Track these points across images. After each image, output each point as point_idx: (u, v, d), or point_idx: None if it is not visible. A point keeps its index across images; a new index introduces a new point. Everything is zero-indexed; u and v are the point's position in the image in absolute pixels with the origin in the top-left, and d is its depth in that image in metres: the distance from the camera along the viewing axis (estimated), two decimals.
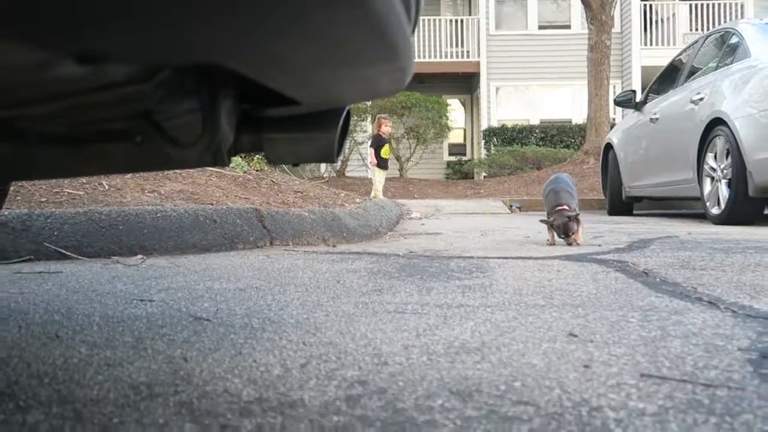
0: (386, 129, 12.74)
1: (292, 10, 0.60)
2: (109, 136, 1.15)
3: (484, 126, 22.40)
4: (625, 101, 9.25)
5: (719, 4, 21.81)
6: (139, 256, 3.31)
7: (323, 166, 18.90)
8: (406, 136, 20.66)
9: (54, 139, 1.12)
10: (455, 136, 24.07)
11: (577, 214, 4.21)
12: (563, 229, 4.10)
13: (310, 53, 0.76)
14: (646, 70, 20.38)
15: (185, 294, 2.23)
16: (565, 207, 4.15)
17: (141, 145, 1.16)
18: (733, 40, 7.08)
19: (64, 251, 3.19)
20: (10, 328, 1.69)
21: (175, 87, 0.99)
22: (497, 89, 22.76)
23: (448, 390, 1.17)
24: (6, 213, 3.17)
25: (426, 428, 0.99)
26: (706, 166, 6.74)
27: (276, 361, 1.37)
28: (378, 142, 12.41)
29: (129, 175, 4.58)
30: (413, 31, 1.03)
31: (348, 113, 1.32)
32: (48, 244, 3.18)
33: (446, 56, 22.91)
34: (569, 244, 4.10)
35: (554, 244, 4.17)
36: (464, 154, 24.28)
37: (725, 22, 18.86)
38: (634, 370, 1.29)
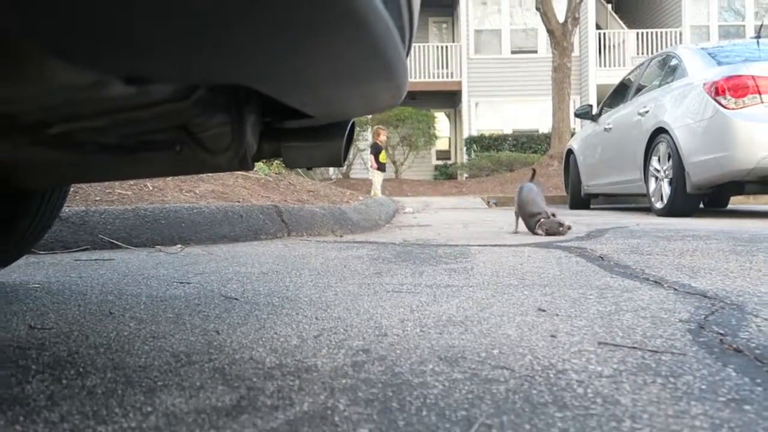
0: (383, 138, 12.97)
1: (305, 38, 0.60)
2: (152, 146, 1.15)
3: (465, 135, 22.39)
4: (584, 113, 9.25)
5: (661, 32, 21.79)
6: (178, 246, 3.30)
7: (332, 169, 18.92)
8: (400, 144, 20.68)
9: (106, 149, 1.11)
10: (441, 144, 24.06)
11: (553, 213, 4.24)
12: (553, 230, 4.16)
13: (321, 74, 0.76)
14: (600, 88, 20.40)
15: (217, 277, 2.23)
16: (540, 213, 4.21)
17: (179, 153, 1.16)
18: (674, 62, 7.07)
19: (115, 242, 3.19)
20: (71, 306, 1.69)
21: (209, 104, 0.98)
22: (476, 104, 22.74)
23: (438, 357, 1.17)
24: (67, 210, 3.16)
25: (419, 389, 0.99)
26: (651, 168, 6.74)
27: (293, 333, 1.37)
28: (376, 149, 12.60)
29: (169, 178, 4.58)
30: (407, 53, 1.02)
31: (353, 125, 1.32)
32: (102, 236, 3.18)
33: (434, 76, 22.88)
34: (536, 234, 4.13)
35: (518, 232, 4.24)
36: (449, 159, 24.26)
37: (667, 47, 18.84)
38: (592, 339, 1.29)
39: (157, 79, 0.69)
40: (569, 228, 4.15)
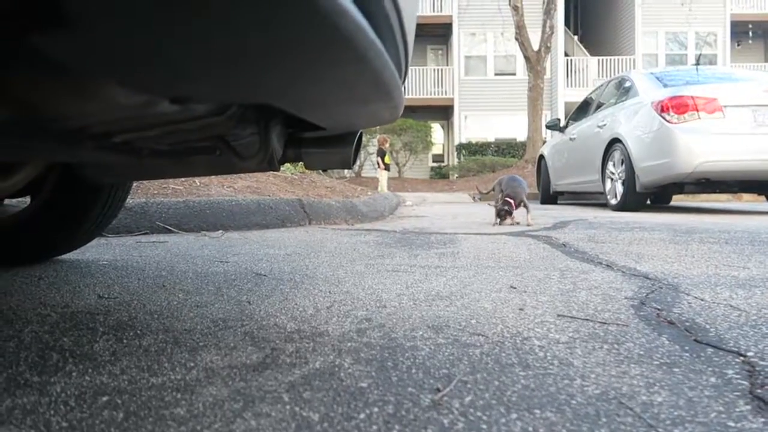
0: (386, 144, 13.14)
1: (319, 71, 0.60)
2: (197, 151, 1.15)
3: (456, 142, 22.30)
4: (553, 125, 9.19)
5: (618, 59, 21.64)
6: (220, 231, 3.31)
7: (346, 169, 18.90)
8: (403, 149, 20.67)
9: (159, 153, 1.12)
10: (437, 149, 23.96)
11: (521, 202, 4.19)
12: (497, 213, 4.13)
13: (331, 97, 0.76)
14: (568, 104, 20.31)
15: (250, 257, 2.24)
16: (508, 198, 4.14)
17: (219, 157, 1.16)
18: (627, 84, 7.01)
19: (169, 227, 3.20)
20: (132, 280, 1.71)
21: (241, 119, 0.99)
22: (466, 117, 22.64)
23: (426, 325, 1.18)
24: (130, 201, 3.18)
25: (410, 351, 1.00)
26: (607, 171, 6.71)
27: (310, 304, 1.38)
28: (382, 153, 12.75)
29: (212, 176, 4.59)
30: (404, 80, 1.02)
31: (360, 135, 1.32)
32: (158, 223, 3.19)
33: (431, 94, 22.79)
34: (501, 225, 4.10)
35: (497, 224, 4.16)
36: (443, 161, 24.16)
37: (622, 71, 18.72)
38: (553, 312, 1.30)
39: (197, 100, 0.69)
40: (511, 215, 4.11)
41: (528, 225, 4.12)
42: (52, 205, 1.91)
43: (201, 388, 0.81)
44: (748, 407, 0.75)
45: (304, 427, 0.69)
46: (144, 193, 3.65)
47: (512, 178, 4.45)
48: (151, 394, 0.79)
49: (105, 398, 0.78)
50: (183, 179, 4.24)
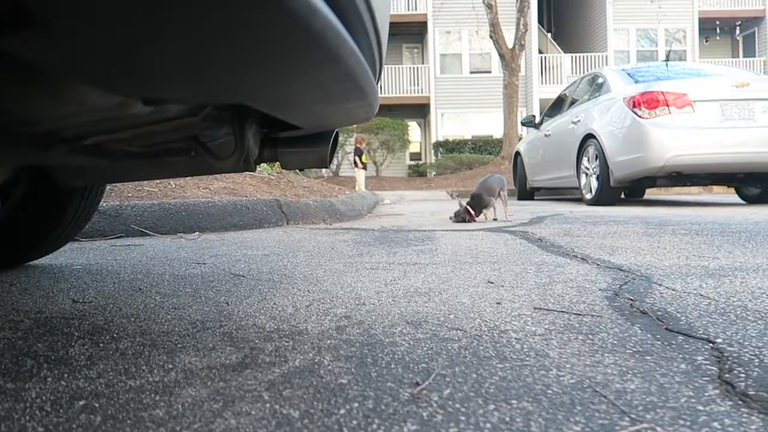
0: (363, 144, 13.20)
1: (292, 71, 0.60)
2: (170, 152, 1.14)
3: (433, 140, 22.40)
4: (528, 122, 9.29)
5: (591, 56, 21.96)
6: (196, 233, 3.28)
7: (323, 168, 18.83)
8: (380, 147, 20.67)
9: (132, 155, 1.11)
10: (414, 147, 24.03)
11: (498, 194, 4.21)
12: (456, 213, 4.16)
13: (305, 96, 0.76)
14: (542, 101, 20.53)
15: (227, 258, 2.22)
16: (469, 207, 4.16)
17: (194, 158, 1.16)
18: (600, 80, 7.12)
19: (144, 230, 3.16)
20: (107, 283, 1.69)
21: (216, 119, 0.99)
22: (442, 114, 22.76)
23: (405, 321, 1.19)
24: (104, 204, 3.13)
25: (389, 347, 1.01)
26: (582, 166, 6.81)
27: (289, 304, 1.38)
28: (359, 152, 12.80)
29: (188, 177, 4.54)
30: (378, 79, 1.03)
31: (336, 134, 1.32)
32: (133, 226, 3.15)
33: (407, 92, 22.86)
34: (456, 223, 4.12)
35: (474, 221, 4.18)
36: (420, 159, 24.25)
37: (595, 68, 18.99)
38: (530, 305, 1.32)
39: (171, 101, 0.69)
40: (465, 221, 4.11)
41: (506, 220, 4.16)
42: (23, 209, 1.87)
43: (180, 389, 0.81)
44: (717, 391, 0.77)
45: (285, 424, 0.69)
46: (118, 196, 3.60)
47: (490, 175, 4.48)
48: (129, 396, 0.79)
49: (82, 402, 0.77)
50: (158, 181, 4.19)
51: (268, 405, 0.75)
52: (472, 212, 4.11)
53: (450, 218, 4.21)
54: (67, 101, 0.68)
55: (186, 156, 1.14)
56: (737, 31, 24.38)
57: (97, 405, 0.76)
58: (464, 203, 4.19)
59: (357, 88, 0.74)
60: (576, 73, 21.15)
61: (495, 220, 4.20)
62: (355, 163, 12.91)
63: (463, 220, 4.09)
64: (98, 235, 2.99)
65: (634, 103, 5.89)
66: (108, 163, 1.06)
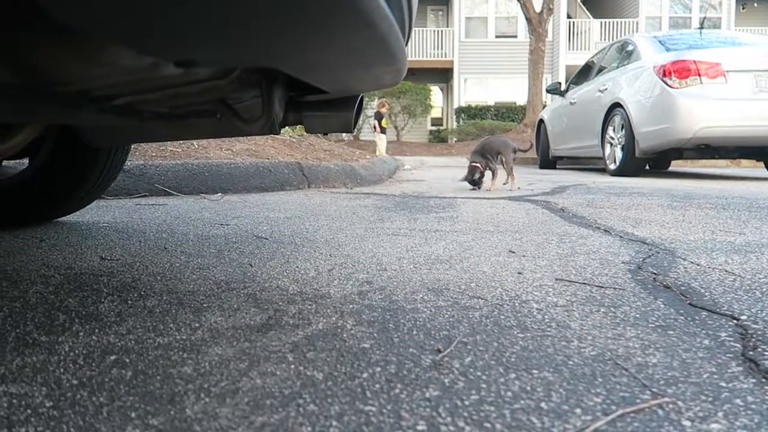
0: (384, 108, 13.06)
1: (324, 33, 0.59)
2: (198, 114, 1.15)
3: (455, 105, 22.11)
4: (554, 90, 9.10)
5: (621, 22, 21.28)
6: (219, 194, 3.32)
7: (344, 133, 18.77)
8: (401, 112, 20.50)
9: (160, 116, 1.11)
10: (435, 112, 23.79)
11: (482, 171, 4.11)
12: (467, 179, 4.11)
13: (336, 61, 0.75)
14: (569, 68, 20.06)
15: (250, 220, 2.24)
16: (476, 165, 4.10)
17: (220, 120, 1.16)
18: (630, 47, 6.92)
19: (168, 190, 3.20)
20: (133, 242, 1.72)
21: (243, 82, 0.98)
22: (465, 80, 22.39)
23: (427, 288, 1.20)
24: (129, 164, 3.16)
25: (411, 313, 1.01)
26: (607, 136, 6.68)
27: (311, 267, 1.39)
28: (379, 116, 12.71)
29: (211, 139, 4.56)
30: (407, 42, 1.01)
31: (361, 98, 1.31)
32: (157, 185, 3.19)
33: (430, 56, 22.47)
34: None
35: (482, 181, 4.14)
36: (442, 125, 24.01)
37: (625, 35, 18.45)
38: (551, 276, 1.31)
39: (203, 63, 0.69)
40: (480, 181, 4.08)
41: (510, 190, 4.03)
42: (51, 167, 1.90)
43: (206, 348, 0.83)
44: (740, 368, 0.77)
45: (309, 385, 0.71)
46: (142, 156, 3.63)
47: (493, 136, 4.38)
48: (158, 353, 0.81)
49: (113, 357, 0.79)
50: (181, 141, 4.22)
51: (292, 366, 0.77)
52: (479, 166, 4.04)
53: (466, 184, 4.16)
54: (100, 63, 0.68)
55: (212, 118, 1.14)
56: None
57: (127, 360, 0.78)
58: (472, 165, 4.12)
59: (388, 53, 0.73)
60: (605, 39, 20.58)
61: (487, 190, 4.04)
62: (375, 127, 12.82)
63: (474, 183, 4.05)
64: (123, 194, 3.04)
65: (665, 72, 5.72)
66: (136, 124, 1.07)
